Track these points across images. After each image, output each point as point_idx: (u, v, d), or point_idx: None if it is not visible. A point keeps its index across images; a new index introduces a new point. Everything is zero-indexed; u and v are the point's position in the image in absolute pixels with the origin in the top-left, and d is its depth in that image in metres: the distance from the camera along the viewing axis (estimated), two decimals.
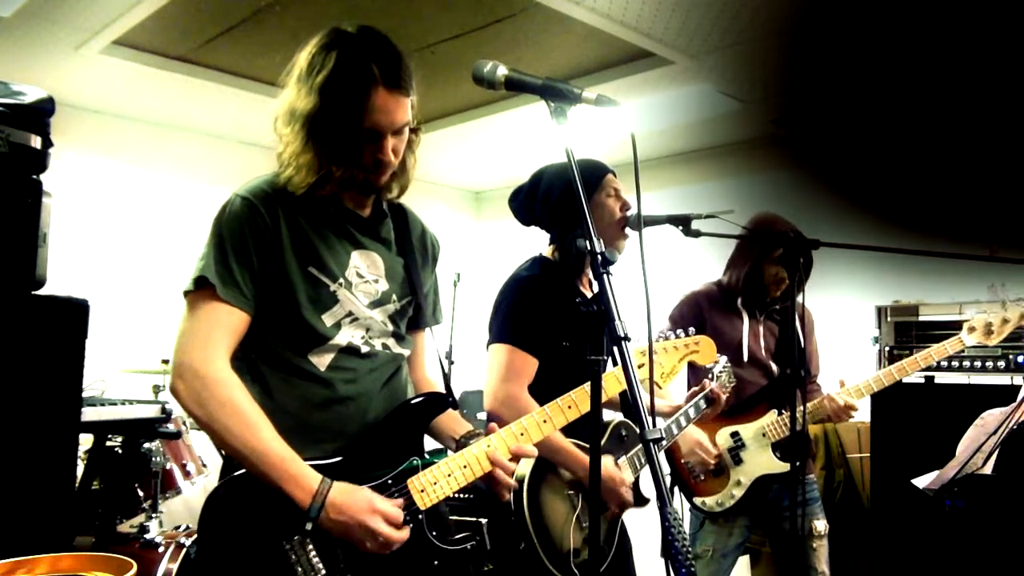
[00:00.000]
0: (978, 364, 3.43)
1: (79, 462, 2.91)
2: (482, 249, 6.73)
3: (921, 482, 2.16)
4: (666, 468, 2.61)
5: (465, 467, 1.52)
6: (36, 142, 2.03)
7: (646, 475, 2.10)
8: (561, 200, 2.12)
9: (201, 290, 1.43)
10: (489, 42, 3.80)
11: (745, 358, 2.59)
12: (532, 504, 1.93)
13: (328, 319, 1.50)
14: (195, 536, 2.91)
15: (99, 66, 4.10)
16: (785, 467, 2.49)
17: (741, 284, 2.63)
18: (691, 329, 1.99)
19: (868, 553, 3.58)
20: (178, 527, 3.10)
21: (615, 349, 1.18)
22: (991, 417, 2.11)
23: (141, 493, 3.17)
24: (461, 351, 5.18)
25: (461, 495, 2.01)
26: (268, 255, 1.46)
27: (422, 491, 1.48)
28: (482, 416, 1.99)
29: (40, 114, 2.06)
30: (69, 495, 2.12)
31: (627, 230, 2.16)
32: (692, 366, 2.26)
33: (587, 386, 1.64)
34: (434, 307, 1.74)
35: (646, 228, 1.98)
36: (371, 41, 1.46)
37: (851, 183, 4.60)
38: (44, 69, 4.12)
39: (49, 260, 2.06)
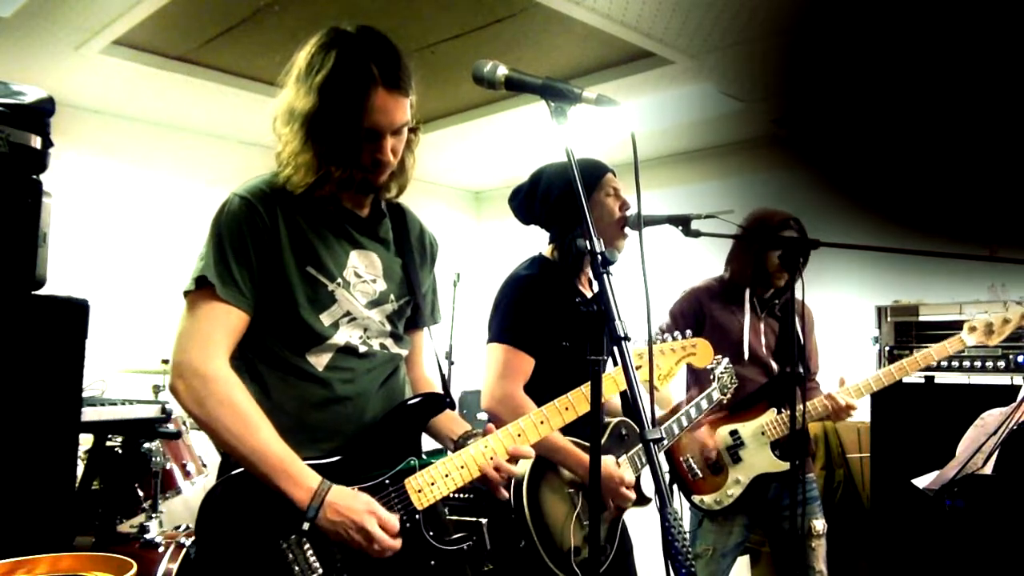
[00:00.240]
0: (978, 364, 3.43)
1: (79, 462, 2.91)
2: (482, 249, 6.73)
3: (921, 482, 2.16)
4: (665, 467, 2.61)
5: (462, 467, 1.52)
6: (36, 142, 2.03)
7: (646, 474, 2.11)
8: (561, 199, 2.12)
9: (201, 290, 1.44)
10: (489, 42, 3.80)
11: (746, 355, 2.59)
12: (532, 502, 1.93)
13: (326, 319, 1.50)
14: (195, 536, 2.91)
15: (99, 66, 4.10)
16: (784, 466, 2.49)
17: (748, 276, 2.62)
18: (688, 332, 1.99)
19: (868, 553, 3.58)
20: (178, 527, 3.10)
21: (614, 349, 1.18)
22: (991, 417, 2.11)
23: (141, 493, 3.17)
24: (461, 351, 5.18)
25: (461, 495, 2.02)
26: (267, 255, 1.47)
27: (419, 491, 1.48)
28: (482, 416, 2.00)
29: (40, 114, 2.06)
30: (69, 495, 2.12)
31: (627, 230, 2.16)
32: (692, 366, 2.26)
33: (584, 388, 1.65)
34: (432, 307, 1.74)
35: (646, 228, 1.98)
36: (370, 41, 1.46)
37: (851, 183, 4.59)
38: (44, 69, 4.12)
39: (49, 260, 2.06)
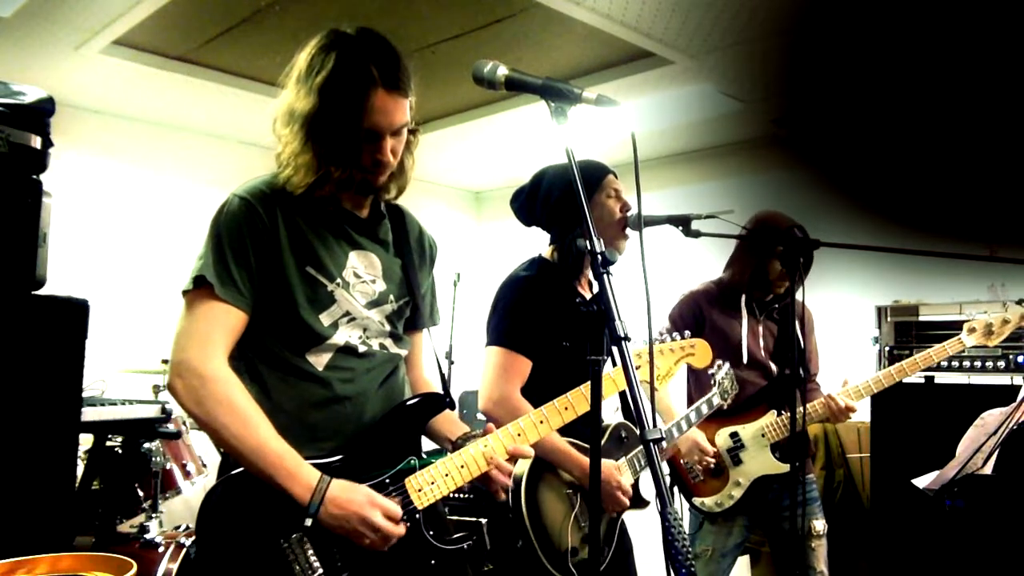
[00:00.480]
0: (978, 364, 3.43)
1: (79, 462, 2.91)
2: (482, 249, 6.73)
3: (921, 482, 2.16)
4: (665, 468, 2.61)
5: (462, 467, 1.52)
6: (36, 142, 2.03)
7: (646, 476, 2.11)
8: (561, 200, 2.12)
9: (199, 289, 1.44)
10: (489, 42, 3.80)
11: (745, 359, 2.59)
12: (530, 503, 1.93)
13: (326, 319, 1.51)
14: (195, 536, 2.91)
15: (99, 66, 4.10)
16: (784, 468, 2.49)
17: (746, 280, 2.62)
18: (687, 332, 1.99)
19: (868, 553, 3.58)
20: (178, 527, 3.10)
21: (614, 349, 1.18)
22: (991, 417, 2.11)
23: (141, 493, 3.17)
24: (461, 351, 5.18)
25: (461, 495, 2.02)
26: (266, 255, 1.47)
27: (419, 491, 1.49)
28: (482, 416, 2.00)
29: (40, 114, 2.06)
30: (69, 495, 2.12)
31: (627, 230, 2.16)
32: (692, 368, 2.26)
33: (584, 388, 1.65)
34: (431, 308, 1.74)
35: (646, 228, 1.98)
36: (370, 42, 1.46)
37: (852, 183, 4.59)
38: (44, 69, 4.12)
39: (49, 260, 2.06)
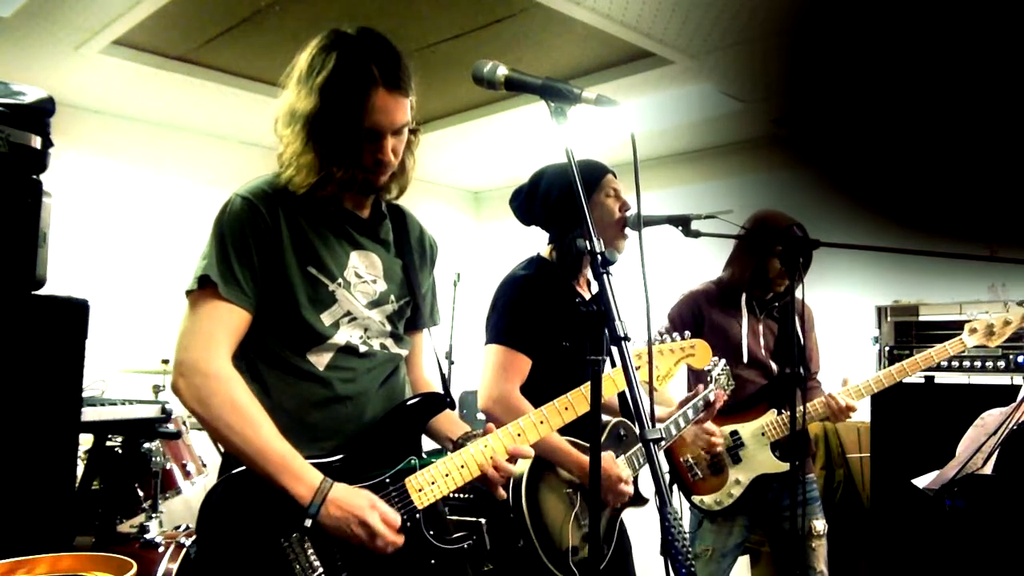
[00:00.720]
0: (978, 364, 3.43)
1: (79, 462, 2.91)
2: (482, 249, 6.74)
3: (921, 482, 2.16)
4: (665, 467, 2.61)
5: (462, 467, 1.52)
6: (36, 142, 2.03)
7: (645, 474, 2.11)
8: (561, 200, 2.12)
9: (203, 289, 1.44)
10: (489, 42, 3.80)
11: (745, 358, 2.59)
12: (531, 502, 1.93)
13: (327, 319, 1.51)
14: (195, 536, 2.91)
15: (99, 66, 4.10)
16: (784, 466, 2.49)
17: (746, 279, 2.62)
18: (687, 333, 1.99)
19: (868, 553, 3.58)
20: (178, 527, 3.10)
21: (614, 349, 1.18)
22: (991, 417, 2.11)
23: (141, 493, 3.17)
24: (461, 351, 5.18)
25: (461, 495, 2.02)
26: (268, 255, 1.47)
27: (420, 490, 1.49)
28: (482, 416, 2.00)
29: (40, 114, 2.06)
30: (69, 495, 2.12)
31: (627, 230, 2.16)
32: (691, 368, 2.26)
33: (584, 388, 1.65)
34: (432, 308, 1.75)
35: (646, 228, 1.98)
36: (371, 42, 1.47)
37: (852, 183, 4.59)
38: (44, 69, 4.12)
39: (49, 260, 2.06)
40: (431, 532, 1.51)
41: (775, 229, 2.54)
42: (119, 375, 3.80)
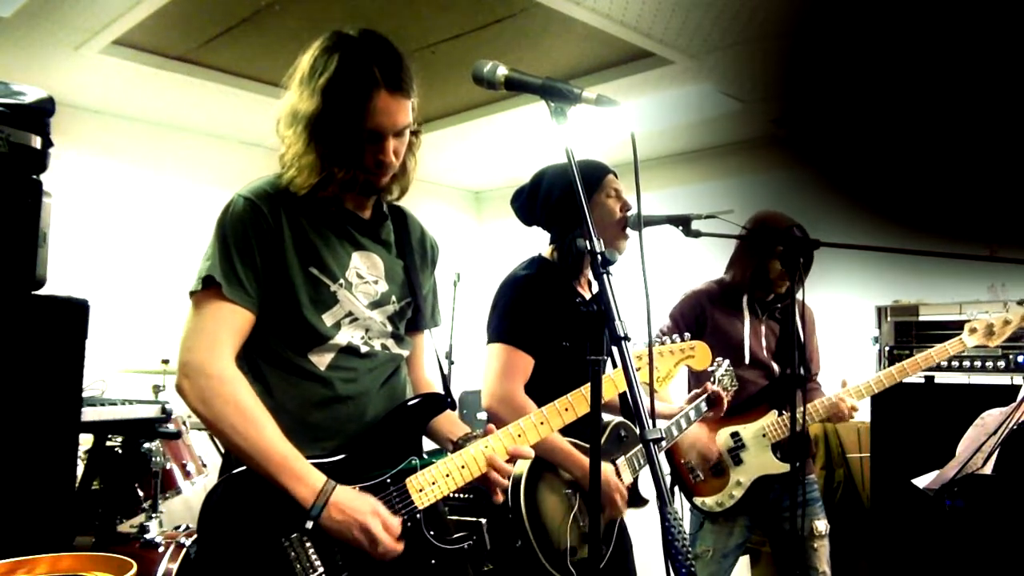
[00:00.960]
0: (978, 364, 3.43)
1: (79, 462, 2.91)
2: (482, 249, 6.74)
3: (921, 482, 2.16)
4: (666, 468, 2.61)
5: (463, 467, 1.52)
6: (36, 142, 2.03)
7: (646, 475, 2.11)
8: (561, 200, 2.12)
9: (207, 290, 1.45)
10: (489, 42, 3.80)
11: (746, 358, 2.59)
12: (529, 502, 1.93)
13: (328, 319, 1.51)
14: (195, 536, 2.91)
15: (99, 66, 4.10)
16: (785, 467, 2.49)
17: (747, 280, 2.62)
18: (687, 334, 1.99)
19: (868, 553, 3.58)
20: (178, 527, 3.10)
21: (614, 349, 1.18)
22: (991, 417, 2.11)
23: (141, 493, 3.17)
24: (461, 351, 5.18)
25: (461, 495, 2.02)
26: (270, 255, 1.48)
27: (420, 490, 1.49)
28: (482, 416, 2.00)
29: (40, 114, 2.06)
30: (69, 495, 2.12)
31: (627, 230, 2.16)
32: (691, 369, 2.26)
33: (584, 389, 1.65)
34: (433, 309, 1.75)
35: (646, 228, 1.98)
36: (373, 44, 1.47)
37: (851, 183, 4.60)
38: (44, 69, 4.12)
39: (49, 260, 2.06)
40: (431, 532, 1.51)
41: (775, 230, 2.54)
42: (119, 375, 3.80)
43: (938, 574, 2.91)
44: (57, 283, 2.10)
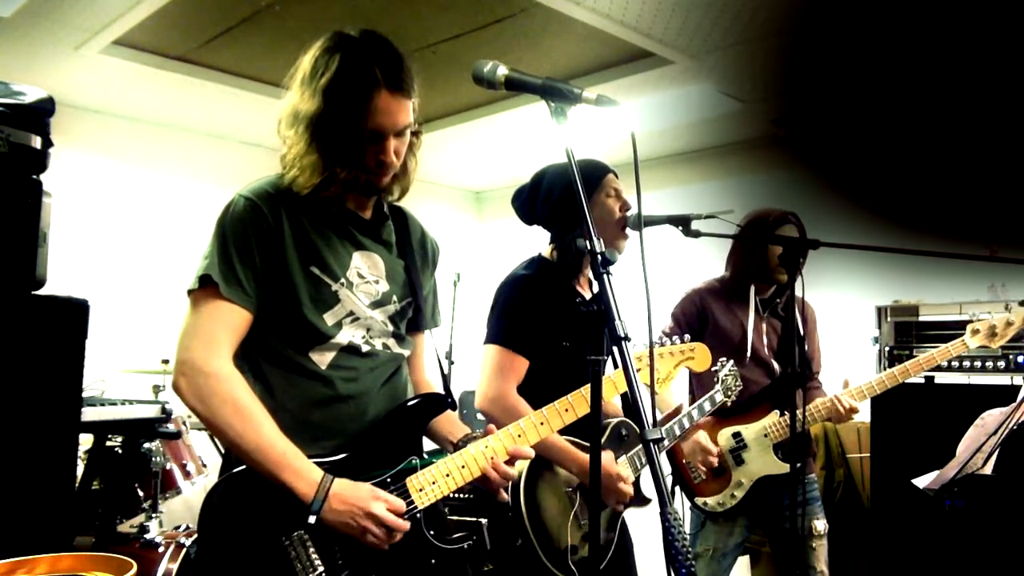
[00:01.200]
0: (978, 364, 3.44)
1: (79, 462, 2.91)
2: (483, 249, 6.74)
3: (921, 482, 2.16)
4: (667, 468, 2.61)
5: (463, 467, 1.52)
6: (36, 142, 2.03)
7: (646, 474, 2.11)
8: (562, 200, 2.12)
9: (205, 288, 1.45)
10: (489, 42, 3.80)
11: (748, 355, 2.59)
12: (530, 501, 1.93)
13: (329, 318, 1.51)
14: (195, 536, 2.91)
15: (99, 66, 4.10)
16: (787, 468, 2.49)
17: (751, 268, 2.61)
18: (687, 336, 1.99)
19: (868, 553, 3.58)
20: (178, 527, 3.10)
21: (614, 349, 1.18)
22: (991, 417, 2.11)
23: (141, 493, 3.17)
24: (461, 351, 5.18)
25: (461, 495, 2.02)
26: (271, 254, 1.48)
27: (420, 490, 1.49)
28: (483, 417, 2.00)
29: (40, 114, 2.06)
30: (69, 495, 2.12)
31: (627, 230, 2.16)
32: (691, 370, 2.26)
33: (584, 390, 1.65)
34: (433, 310, 1.75)
35: (646, 228, 1.98)
36: (373, 44, 1.47)
37: (851, 183, 4.60)
38: (44, 69, 4.12)
39: (49, 260, 2.06)
40: (431, 532, 1.51)
41: (768, 220, 2.54)
42: (119, 375, 3.80)
43: (938, 574, 2.91)
44: (57, 283, 2.10)
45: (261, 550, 1.38)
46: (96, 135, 4.86)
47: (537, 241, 2.27)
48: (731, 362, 2.32)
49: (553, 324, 2.06)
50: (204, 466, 3.47)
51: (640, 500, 2.11)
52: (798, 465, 2.35)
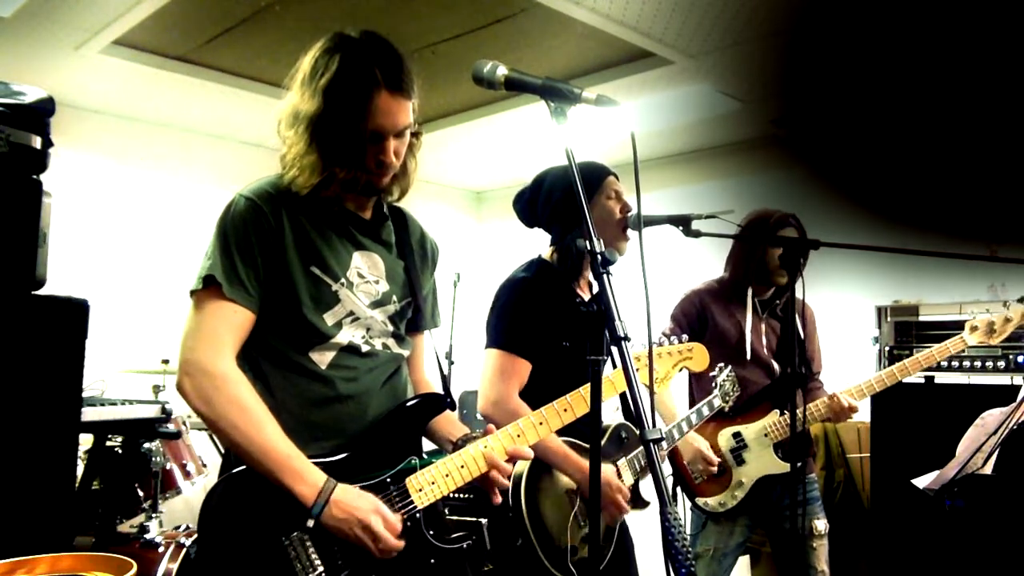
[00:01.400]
0: (978, 364, 3.44)
1: (79, 462, 2.91)
2: (483, 249, 6.73)
3: (921, 482, 2.16)
4: (668, 469, 2.61)
5: (462, 467, 1.53)
6: (36, 142, 2.03)
7: (646, 477, 2.11)
8: (562, 202, 2.13)
9: (208, 289, 1.45)
10: (489, 42, 3.80)
11: (748, 357, 2.59)
12: (530, 501, 1.93)
13: (329, 318, 1.51)
14: (195, 536, 2.91)
15: (99, 66, 4.10)
16: (787, 467, 2.49)
17: (747, 273, 2.61)
18: (684, 336, 1.99)
19: (868, 553, 3.58)
20: (178, 527, 3.10)
21: (613, 350, 1.18)
22: (991, 417, 2.11)
23: (141, 493, 3.17)
24: (461, 351, 5.18)
25: (461, 495, 2.02)
26: (272, 254, 1.48)
27: (420, 490, 1.49)
28: (482, 417, 2.00)
29: (40, 114, 2.05)
30: (69, 495, 2.12)
31: (627, 231, 2.16)
32: (690, 371, 2.26)
33: (583, 390, 1.65)
34: (432, 310, 1.75)
35: (646, 228, 1.98)
36: (374, 45, 1.48)
37: (851, 183, 4.60)
38: (44, 69, 4.12)
39: (49, 260, 2.06)
40: (431, 532, 1.51)
41: (768, 221, 2.55)
42: (119, 375, 3.80)
43: (938, 574, 2.91)
44: (57, 283, 2.10)
45: (261, 550, 1.38)
46: (96, 135, 4.86)
47: (537, 241, 2.27)
48: (729, 367, 2.32)
49: (553, 326, 2.06)
50: (204, 466, 3.47)
51: (640, 502, 2.11)
52: (798, 464, 2.35)
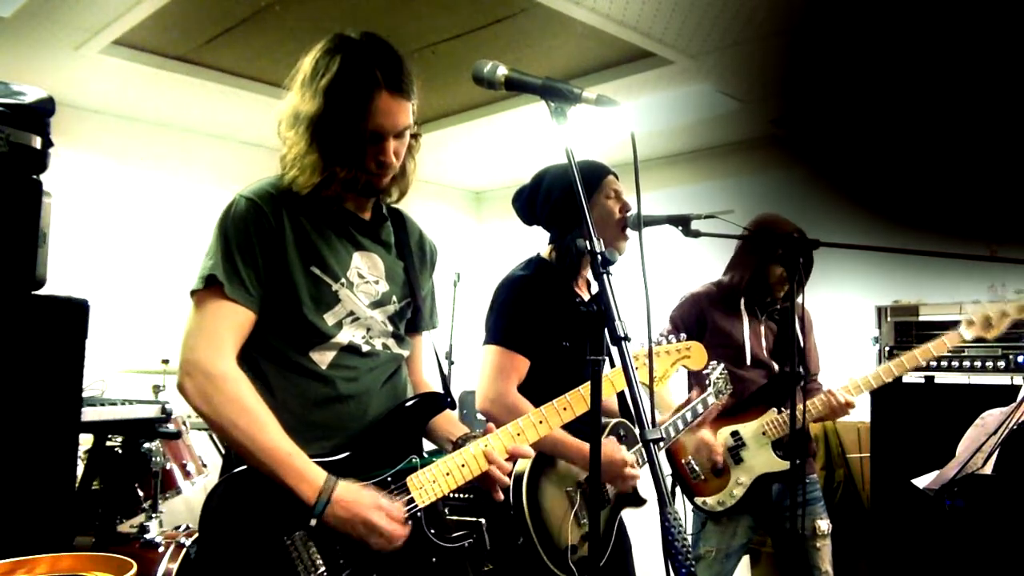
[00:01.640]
0: (978, 364, 3.43)
1: (79, 462, 2.91)
2: (483, 249, 6.73)
3: (921, 482, 2.16)
4: (667, 468, 2.61)
5: (463, 466, 1.53)
6: (36, 142, 2.03)
7: (646, 475, 2.11)
8: (561, 201, 2.13)
9: (209, 289, 1.45)
10: (489, 42, 3.80)
11: (748, 359, 2.59)
12: (531, 500, 1.93)
13: (330, 318, 1.52)
14: (195, 536, 2.91)
15: (99, 66, 4.10)
16: (785, 465, 2.49)
17: (744, 284, 2.62)
18: (682, 335, 1.99)
19: (868, 553, 3.58)
20: (178, 527, 3.10)
21: (613, 349, 1.18)
22: (991, 417, 2.11)
23: (141, 493, 3.17)
24: (461, 351, 5.18)
25: (461, 494, 2.02)
26: (272, 254, 1.48)
27: (421, 489, 1.50)
28: (482, 417, 2.00)
29: (40, 114, 2.06)
30: (69, 495, 2.12)
31: (627, 230, 2.16)
32: (688, 369, 2.26)
33: (582, 389, 1.65)
34: (431, 311, 1.76)
35: (646, 228, 1.98)
36: (374, 46, 1.48)
37: (851, 183, 4.60)
38: (44, 69, 4.12)
39: (49, 260, 2.06)
40: (432, 531, 1.51)
41: (775, 234, 2.54)
42: (119, 375, 3.80)
43: (938, 574, 2.92)
44: (57, 283, 2.10)
45: (262, 550, 1.38)
46: (96, 135, 4.86)
47: (537, 241, 2.27)
48: (721, 365, 2.33)
49: (551, 324, 2.06)
50: (204, 466, 3.47)
51: (637, 500, 2.11)
52: (797, 463, 2.35)
